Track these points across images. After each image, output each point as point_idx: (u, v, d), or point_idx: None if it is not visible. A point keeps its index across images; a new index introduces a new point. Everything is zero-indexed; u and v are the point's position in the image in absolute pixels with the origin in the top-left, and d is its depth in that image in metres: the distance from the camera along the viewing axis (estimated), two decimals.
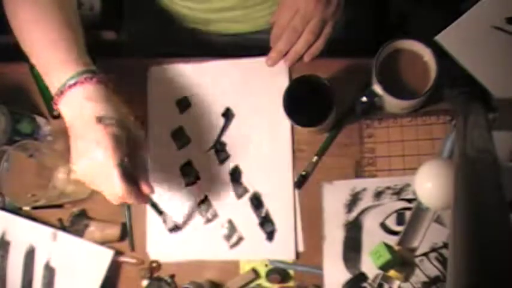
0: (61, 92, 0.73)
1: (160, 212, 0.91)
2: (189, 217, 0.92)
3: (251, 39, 1.03)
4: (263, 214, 0.90)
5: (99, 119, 0.71)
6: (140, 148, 0.78)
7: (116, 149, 0.71)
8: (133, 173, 0.75)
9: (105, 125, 0.71)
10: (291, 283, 0.89)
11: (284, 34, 0.84)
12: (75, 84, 0.73)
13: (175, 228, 0.91)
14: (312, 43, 0.85)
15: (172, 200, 0.92)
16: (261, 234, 0.89)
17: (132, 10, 1.14)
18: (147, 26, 1.09)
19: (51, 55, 0.75)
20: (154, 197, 0.89)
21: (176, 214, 0.92)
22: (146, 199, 0.79)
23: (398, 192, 0.86)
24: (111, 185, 0.72)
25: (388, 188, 0.86)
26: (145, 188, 0.77)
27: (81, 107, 0.72)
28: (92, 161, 0.71)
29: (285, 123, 0.89)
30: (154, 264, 0.92)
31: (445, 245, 0.83)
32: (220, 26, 1.03)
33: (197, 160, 0.93)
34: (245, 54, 0.94)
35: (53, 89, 0.74)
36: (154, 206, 0.90)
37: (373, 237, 0.85)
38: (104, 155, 0.70)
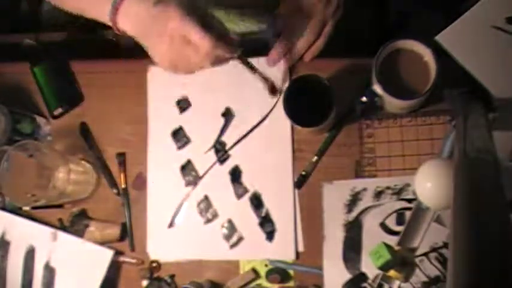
0: (116, 9, 0.73)
1: (253, 68, 0.86)
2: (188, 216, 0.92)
3: (251, 39, 1.03)
4: (263, 214, 0.90)
5: (158, 1, 0.71)
6: (206, 12, 0.75)
7: (186, 12, 0.70)
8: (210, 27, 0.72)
9: (166, 1, 0.71)
10: (291, 283, 0.89)
11: (283, 35, 0.84)
12: None
13: (273, 88, 0.89)
14: (312, 43, 0.85)
15: None
16: (261, 234, 0.89)
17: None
18: None
19: None
20: None
21: None
22: (237, 48, 0.76)
23: (398, 192, 0.86)
24: (197, 46, 0.70)
25: (388, 188, 0.86)
26: (231, 35, 0.75)
27: (139, 8, 0.72)
28: (168, 33, 0.70)
29: (285, 123, 0.89)
30: (154, 264, 0.92)
31: (445, 245, 0.83)
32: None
33: (197, 160, 0.93)
34: (245, 54, 0.94)
35: (105, 13, 0.74)
36: (246, 62, 0.85)
37: (373, 237, 0.85)
38: (176, 19, 0.69)
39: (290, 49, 0.87)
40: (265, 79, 0.88)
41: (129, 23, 0.74)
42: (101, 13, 0.75)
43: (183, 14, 0.70)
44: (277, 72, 0.90)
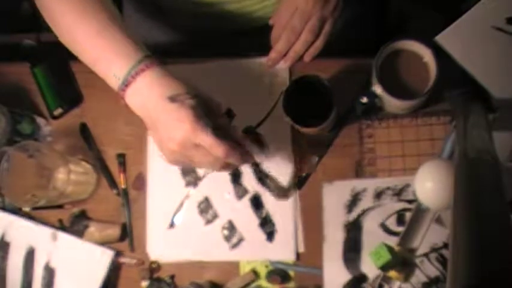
0: (126, 85, 0.70)
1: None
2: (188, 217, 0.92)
3: (251, 39, 1.03)
4: (263, 215, 0.90)
5: (172, 98, 0.68)
6: (220, 113, 0.73)
7: (199, 118, 0.67)
8: (223, 134, 0.69)
9: (180, 101, 0.67)
10: (291, 284, 0.88)
11: (283, 34, 0.85)
12: (137, 73, 0.69)
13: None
14: (311, 43, 0.85)
15: None
16: (261, 235, 0.89)
17: (132, 9, 1.14)
18: (146, 25, 1.09)
19: (106, 49, 0.72)
20: None
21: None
22: (251, 157, 0.74)
23: (398, 193, 0.86)
24: (207, 153, 0.68)
25: (388, 188, 0.86)
26: (242, 141, 0.72)
27: (150, 93, 0.69)
28: (179, 140, 0.67)
29: (285, 123, 0.89)
30: (154, 265, 0.92)
31: (445, 245, 0.83)
32: (220, 22, 1.02)
33: None
34: (245, 54, 0.94)
35: (115, 84, 0.71)
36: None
37: (373, 238, 0.85)
38: (189, 128, 0.66)
39: (289, 50, 0.87)
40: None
41: (138, 102, 0.70)
42: (109, 78, 0.72)
43: (195, 120, 0.66)
44: (277, 71, 0.91)
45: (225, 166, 0.71)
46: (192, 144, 0.67)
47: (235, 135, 0.72)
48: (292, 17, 0.83)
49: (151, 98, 0.68)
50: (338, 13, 0.85)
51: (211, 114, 0.70)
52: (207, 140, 0.66)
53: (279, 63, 0.89)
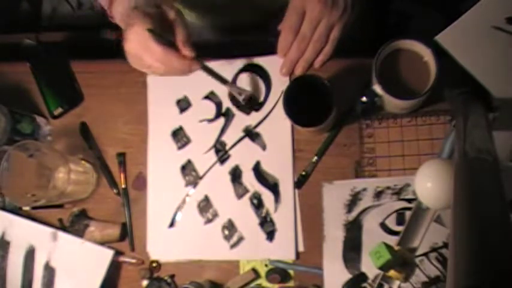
0: (110, 3, 0.83)
1: (222, 80, 0.87)
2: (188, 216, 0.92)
3: (250, 38, 1.03)
4: (263, 214, 0.90)
5: (135, 7, 0.79)
6: (178, 22, 0.80)
7: (144, 21, 0.76)
8: (172, 40, 0.78)
9: (138, 9, 0.78)
10: (291, 283, 0.89)
11: (295, 42, 0.86)
12: None
13: (254, 100, 0.91)
14: (320, 50, 0.86)
15: None
16: (261, 234, 0.89)
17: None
18: None
19: None
20: None
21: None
22: (196, 62, 0.80)
23: (398, 192, 0.86)
24: (151, 53, 0.77)
25: (388, 188, 0.86)
26: (184, 49, 0.78)
27: (126, 6, 0.81)
28: (131, 39, 0.77)
29: (285, 123, 0.89)
30: (154, 264, 0.92)
31: (445, 245, 0.83)
32: (219, 19, 1.02)
33: (197, 160, 0.93)
34: (245, 54, 0.94)
35: (104, 4, 0.84)
36: (211, 71, 0.85)
37: (373, 237, 0.86)
38: (136, 28, 0.76)
39: (299, 57, 0.88)
40: (240, 91, 0.89)
41: (118, 15, 0.83)
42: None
43: (144, 19, 0.77)
44: (277, 71, 0.91)
45: (171, 69, 0.79)
46: (141, 45, 0.77)
47: (184, 50, 0.79)
48: (301, 24, 0.84)
49: (125, 12, 0.80)
50: (346, 18, 0.85)
51: (166, 25, 0.79)
52: (149, 44, 0.76)
53: (279, 64, 0.89)
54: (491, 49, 0.78)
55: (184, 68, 0.79)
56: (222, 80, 0.87)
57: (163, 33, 0.77)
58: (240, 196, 0.91)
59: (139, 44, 0.77)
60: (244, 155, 0.92)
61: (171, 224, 0.92)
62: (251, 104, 0.90)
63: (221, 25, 1.05)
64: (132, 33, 0.77)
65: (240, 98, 0.89)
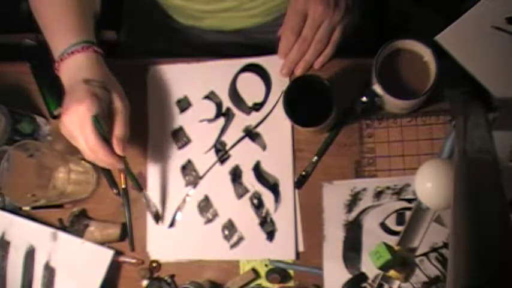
0: (61, 59, 0.81)
1: (140, 187, 0.90)
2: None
3: (250, 38, 1.03)
4: (263, 214, 0.90)
5: (87, 81, 0.79)
6: (121, 117, 0.81)
7: (93, 105, 0.76)
8: (109, 134, 0.79)
9: (90, 85, 0.78)
10: (291, 283, 0.89)
11: (296, 44, 0.86)
12: (73, 52, 0.81)
13: (157, 216, 0.91)
14: (321, 51, 0.86)
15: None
16: (261, 234, 0.89)
17: (131, 9, 1.14)
18: (146, 25, 1.09)
19: (59, 26, 0.84)
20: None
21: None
22: (120, 161, 0.81)
23: (398, 192, 0.86)
24: (85, 139, 0.77)
25: (388, 188, 0.86)
26: (116, 147, 0.79)
27: (76, 72, 0.80)
28: (72, 115, 0.77)
29: (285, 123, 0.89)
30: (154, 264, 0.92)
31: (445, 245, 0.83)
32: (217, 23, 1.02)
33: (197, 160, 0.93)
34: (245, 54, 0.94)
35: (56, 55, 0.82)
36: (132, 175, 0.88)
37: (373, 237, 0.86)
38: (82, 109, 0.76)
39: (300, 58, 0.88)
40: (149, 205, 0.91)
41: (66, 76, 0.82)
42: (54, 49, 0.83)
43: (90, 103, 0.76)
44: (277, 71, 0.91)
45: (96, 159, 0.80)
46: (79, 124, 0.77)
47: (116, 147, 0.80)
48: (303, 25, 0.84)
49: (75, 77, 0.80)
50: (347, 20, 0.86)
51: (114, 111, 0.80)
52: (86, 128, 0.76)
53: (279, 64, 0.89)
54: (491, 49, 0.78)
55: (110, 163, 0.81)
56: (138, 185, 0.89)
57: (103, 122, 0.78)
58: (240, 196, 0.91)
59: (77, 124, 0.77)
60: (244, 155, 0.92)
61: (171, 224, 0.92)
62: (155, 218, 0.91)
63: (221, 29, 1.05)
64: (75, 110, 0.77)
65: (149, 208, 0.91)
